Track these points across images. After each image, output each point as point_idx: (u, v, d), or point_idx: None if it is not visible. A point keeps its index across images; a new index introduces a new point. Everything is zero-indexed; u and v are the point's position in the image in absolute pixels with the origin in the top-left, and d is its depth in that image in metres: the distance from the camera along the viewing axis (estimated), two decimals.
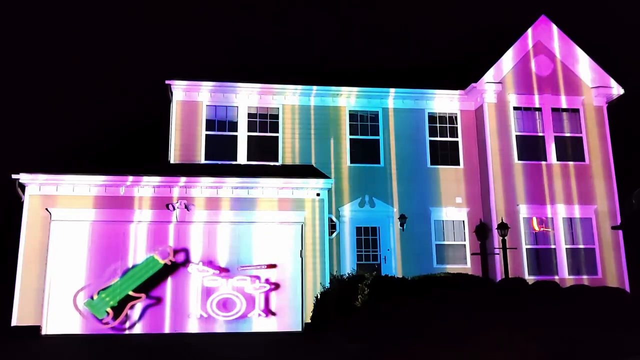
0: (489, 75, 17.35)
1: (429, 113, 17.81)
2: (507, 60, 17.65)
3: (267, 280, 13.92)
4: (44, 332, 13.08)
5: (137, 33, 33.41)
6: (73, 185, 13.83)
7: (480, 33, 25.02)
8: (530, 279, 15.40)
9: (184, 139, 16.67)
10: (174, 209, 14.02)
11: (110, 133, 25.65)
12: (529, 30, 17.84)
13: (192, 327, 13.56)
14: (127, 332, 13.35)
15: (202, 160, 16.56)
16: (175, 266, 13.75)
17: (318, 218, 14.54)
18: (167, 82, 16.76)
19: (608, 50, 23.75)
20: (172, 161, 16.50)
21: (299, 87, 17.22)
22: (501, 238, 15.61)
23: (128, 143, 24.57)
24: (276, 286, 13.98)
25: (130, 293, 13.28)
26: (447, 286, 11.95)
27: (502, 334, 9.26)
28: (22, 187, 13.76)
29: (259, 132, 17.12)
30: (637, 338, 9.32)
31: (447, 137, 17.76)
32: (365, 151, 17.35)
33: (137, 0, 34.50)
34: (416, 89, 17.67)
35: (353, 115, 17.57)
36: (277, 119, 17.23)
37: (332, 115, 17.41)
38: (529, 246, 16.62)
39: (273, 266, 14.08)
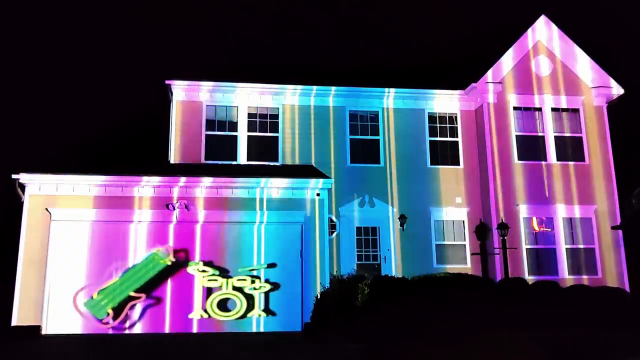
0: (489, 75, 17.34)
1: (429, 113, 17.81)
2: (507, 60, 17.65)
3: (267, 280, 13.93)
4: (44, 332, 13.08)
5: (137, 33, 33.43)
6: (73, 185, 13.83)
7: (480, 33, 25.02)
8: (530, 279, 15.40)
9: (184, 139, 16.68)
10: (174, 209, 14.02)
11: (110, 133, 25.65)
12: (529, 30, 17.84)
13: (192, 327, 13.56)
14: (127, 332, 13.35)
15: (202, 160, 16.56)
16: (175, 266, 13.74)
17: (318, 218, 14.54)
18: (167, 82, 16.76)
19: (608, 50, 23.74)
20: (172, 161, 16.51)
21: (299, 87, 17.22)
22: (501, 238, 15.61)
23: (128, 143, 24.57)
24: (276, 286, 13.98)
25: (131, 293, 13.27)
26: (447, 286, 11.94)
27: (502, 334, 9.27)
28: (22, 187, 13.76)
29: (259, 132, 17.12)
30: (637, 338, 9.33)
31: (447, 137, 17.76)
32: (365, 151, 17.35)
33: (137, 0, 34.51)
34: (416, 89, 17.67)
35: (353, 115, 17.57)
36: (277, 119, 17.23)
37: (332, 115, 17.41)
38: (529, 246, 16.62)
39: (273, 266, 14.09)
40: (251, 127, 17.10)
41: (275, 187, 14.51)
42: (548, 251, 16.70)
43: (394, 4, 35.90)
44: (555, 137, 17.46)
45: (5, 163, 18.21)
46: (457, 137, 17.77)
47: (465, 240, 17.04)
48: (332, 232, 16.42)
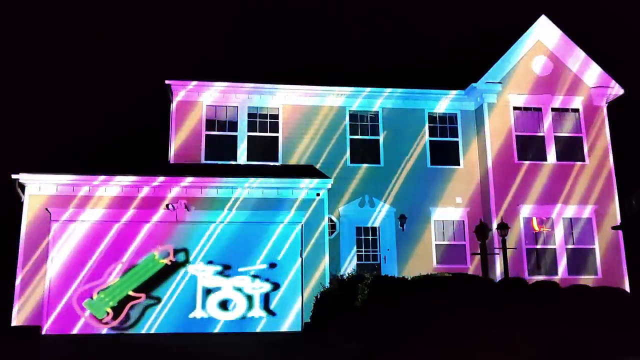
0: (489, 75, 17.34)
1: (429, 113, 17.80)
2: (507, 60, 17.64)
3: (267, 280, 13.93)
4: (44, 332, 13.09)
5: (137, 33, 33.43)
6: (73, 185, 13.84)
7: (481, 33, 25.02)
8: (530, 279, 15.39)
9: (184, 139, 16.68)
10: (174, 209, 14.02)
11: (110, 133, 25.65)
12: (529, 30, 17.82)
13: (192, 327, 13.56)
14: (127, 332, 13.35)
15: (202, 160, 16.56)
16: (175, 266, 13.76)
17: (318, 218, 14.54)
18: (167, 82, 16.76)
19: (608, 50, 23.74)
20: (172, 161, 16.50)
21: (299, 87, 17.21)
22: (501, 238, 15.60)
23: (128, 143, 24.57)
24: (276, 286, 13.98)
25: (131, 293, 13.29)
26: (447, 286, 11.94)
27: (502, 334, 9.27)
28: (22, 187, 13.77)
29: (259, 132, 17.12)
30: (637, 338, 9.33)
31: (447, 137, 17.76)
32: (365, 151, 17.35)
33: (137, 0, 34.51)
34: (416, 89, 17.66)
35: (353, 115, 17.57)
36: (277, 119, 17.23)
37: (332, 115, 17.41)
38: (529, 246, 16.61)
39: (273, 266, 14.09)
40: (251, 127, 17.09)
41: (275, 187, 14.51)
42: (548, 251, 16.70)
43: (394, 4, 35.91)
44: (555, 137, 17.46)
45: (5, 163, 18.22)
46: (457, 137, 17.77)
47: (465, 240, 17.04)
48: (332, 232, 16.42)
